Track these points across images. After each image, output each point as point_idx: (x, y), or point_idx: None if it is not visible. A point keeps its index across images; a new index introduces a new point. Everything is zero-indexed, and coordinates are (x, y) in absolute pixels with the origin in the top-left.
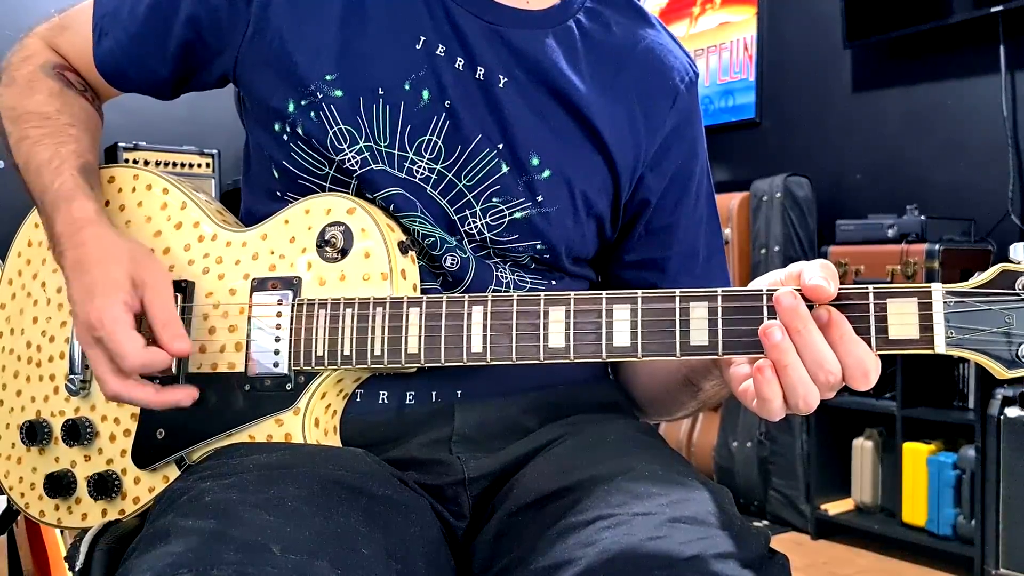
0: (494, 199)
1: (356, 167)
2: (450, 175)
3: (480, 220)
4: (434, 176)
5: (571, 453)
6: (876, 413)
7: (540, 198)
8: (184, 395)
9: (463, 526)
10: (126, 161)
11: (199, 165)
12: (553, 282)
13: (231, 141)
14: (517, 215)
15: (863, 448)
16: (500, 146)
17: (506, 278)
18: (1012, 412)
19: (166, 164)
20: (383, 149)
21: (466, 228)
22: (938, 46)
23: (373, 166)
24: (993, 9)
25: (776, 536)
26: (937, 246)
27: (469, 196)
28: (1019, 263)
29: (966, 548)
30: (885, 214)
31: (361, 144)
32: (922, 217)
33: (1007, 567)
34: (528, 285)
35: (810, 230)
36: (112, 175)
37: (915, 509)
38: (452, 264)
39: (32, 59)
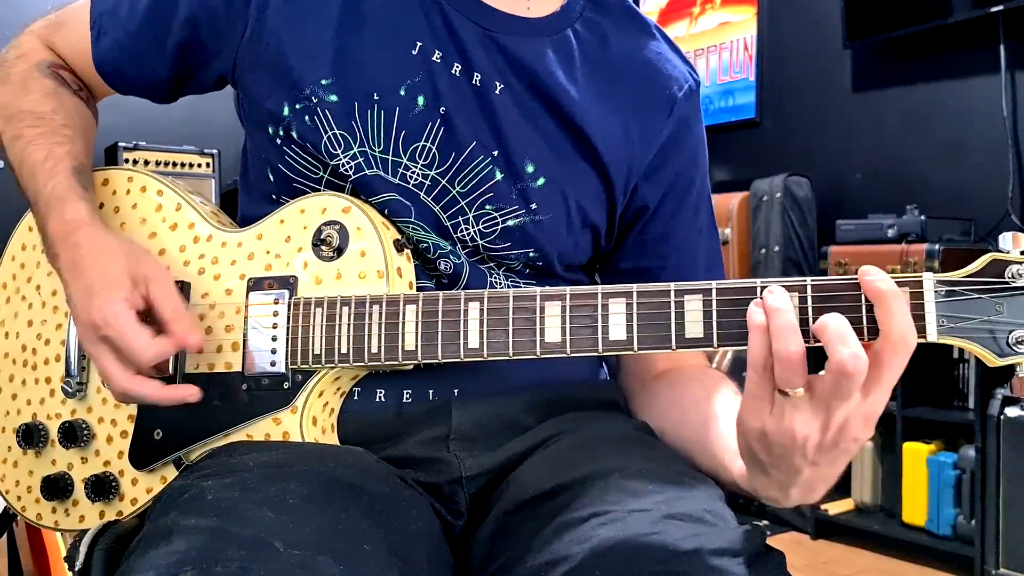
0: (487, 206)
1: (350, 172)
2: (444, 181)
3: (473, 227)
4: (427, 182)
5: (568, 451)
6: None
7: (534, 206)
8: (190, 392)
9: (461, 523)
10: (126, 161)
11: (199, 165)
12: (547, 287)
13: (231, 141)
14: (510, 223)
15: (863, 448)
16: (495, 153)
17: (500, 282)
18: (1012, 412)
19: (166, 164)
20: (377, 155)
21: (459, 235)
22: (938, 46)
23: (367, 171)
24: (993, 9)
25: (776, 536)
26: (937, 246)
27: (462, 203)
28: (1008, 252)
29: (966, 548)
30: (885, 214)
31: (355, 150)
32: (922, 217)
33: (1007, 567)
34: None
35: (810, 230)
36: (106, 177)
37: (915, 509)
38: (446, 268)
39: (27, 57)
